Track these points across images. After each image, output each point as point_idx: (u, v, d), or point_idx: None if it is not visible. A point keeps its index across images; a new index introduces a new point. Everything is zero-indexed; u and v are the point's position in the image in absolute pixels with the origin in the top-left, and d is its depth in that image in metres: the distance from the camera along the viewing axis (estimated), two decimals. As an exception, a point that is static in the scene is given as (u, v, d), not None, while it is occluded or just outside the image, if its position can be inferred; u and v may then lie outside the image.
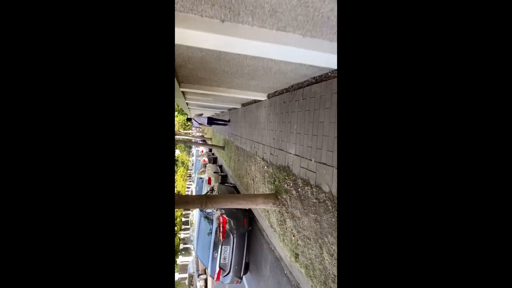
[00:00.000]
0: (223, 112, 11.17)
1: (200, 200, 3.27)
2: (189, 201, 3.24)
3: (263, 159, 4.65)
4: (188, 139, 16.82)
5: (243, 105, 6.99)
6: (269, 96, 4.50)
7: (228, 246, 5.21)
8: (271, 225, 4.06)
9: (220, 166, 11.57)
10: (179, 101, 7.53)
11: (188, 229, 29.00)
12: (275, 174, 3.92)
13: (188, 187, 38.14)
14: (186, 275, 20.23)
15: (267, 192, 4.26)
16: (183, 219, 31.29)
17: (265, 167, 4.45)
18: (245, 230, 5.30)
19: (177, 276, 22.30)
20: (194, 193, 13.73)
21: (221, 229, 5.18)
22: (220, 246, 5.19)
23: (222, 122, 9.31)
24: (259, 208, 4.44)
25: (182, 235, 28.51)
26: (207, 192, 7.65)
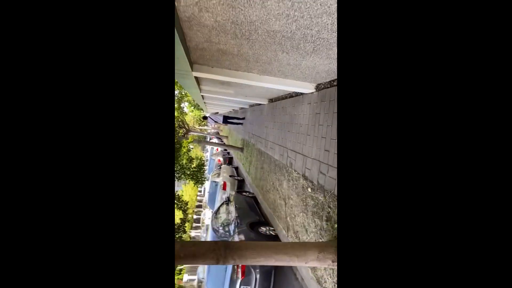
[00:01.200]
0: (242, 108, 9.89)
1: (214, 252, 1.98)
2: (197, 255, 1.95)
3: (304, 176, 3.29)
4: (202, 136, 15.76)
5: (271, 100, 5.64)
6: (319, 88, 3.11)
7: (249, 287, 3.93)
8: (318, 281, 2.71)
9: (236, 168, 10.34)
10: (193, 93, 6.29)
11: (199, 227, 28.13)
12: (330, 207, 2.55)
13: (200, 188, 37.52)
14: (195, 277, 19.57)
15: (314, 231, 2.90)
16: (194, 217, 30.48)
17: (309, 189, 3.09)
18: (271, 266, 3.99)
19: (186, 277, 21.53)
20: (206, 197, 12.62)
21: (240, 264, 3.89)
22: (238, 286, 3.92)
23: (237, 121, 8.96)
24: (309, 266, 2.99)
25: (192, 233, 27.72)
26: (223, 203, 6.42)
